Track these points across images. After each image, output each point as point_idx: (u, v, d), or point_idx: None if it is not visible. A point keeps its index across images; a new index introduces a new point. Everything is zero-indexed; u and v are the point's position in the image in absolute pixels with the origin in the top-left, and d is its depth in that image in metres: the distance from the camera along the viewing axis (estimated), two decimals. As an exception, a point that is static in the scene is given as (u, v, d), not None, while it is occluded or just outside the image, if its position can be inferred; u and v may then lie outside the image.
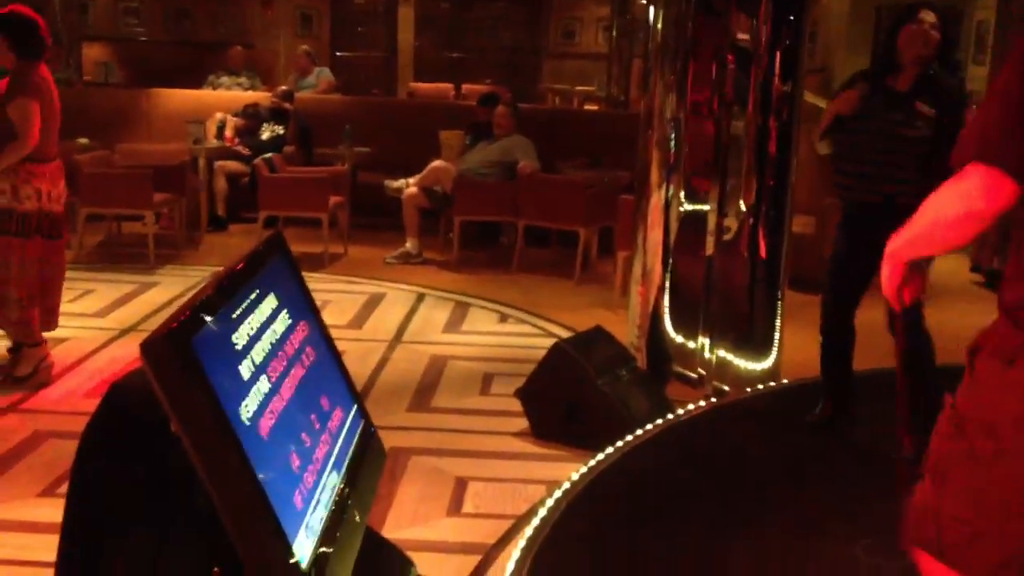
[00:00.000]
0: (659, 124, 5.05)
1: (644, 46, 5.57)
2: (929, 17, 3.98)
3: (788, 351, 4.94)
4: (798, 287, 5.51)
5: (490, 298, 6.68)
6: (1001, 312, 1.80)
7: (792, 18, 4.91)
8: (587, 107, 11.96)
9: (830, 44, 10.53)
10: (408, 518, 3.65)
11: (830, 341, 4.34)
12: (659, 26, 5.06)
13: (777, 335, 4.94)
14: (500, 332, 6.07)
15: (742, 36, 4.93)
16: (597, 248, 7.46)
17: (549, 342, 5.00)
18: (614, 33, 13.24)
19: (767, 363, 4.94)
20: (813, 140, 4.35)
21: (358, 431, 2.74)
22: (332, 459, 2.45)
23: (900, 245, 1.96)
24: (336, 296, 6.56)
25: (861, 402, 4.39)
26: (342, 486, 2.45)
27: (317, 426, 2.45)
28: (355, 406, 2.78)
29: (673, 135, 4.98)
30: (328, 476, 2.39)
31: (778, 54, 4.87)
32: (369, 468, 2.72)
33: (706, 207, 4.97)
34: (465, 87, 12.82)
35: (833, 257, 4.33)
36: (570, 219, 7.32)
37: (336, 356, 2.80)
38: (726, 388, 4.87)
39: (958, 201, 1.77)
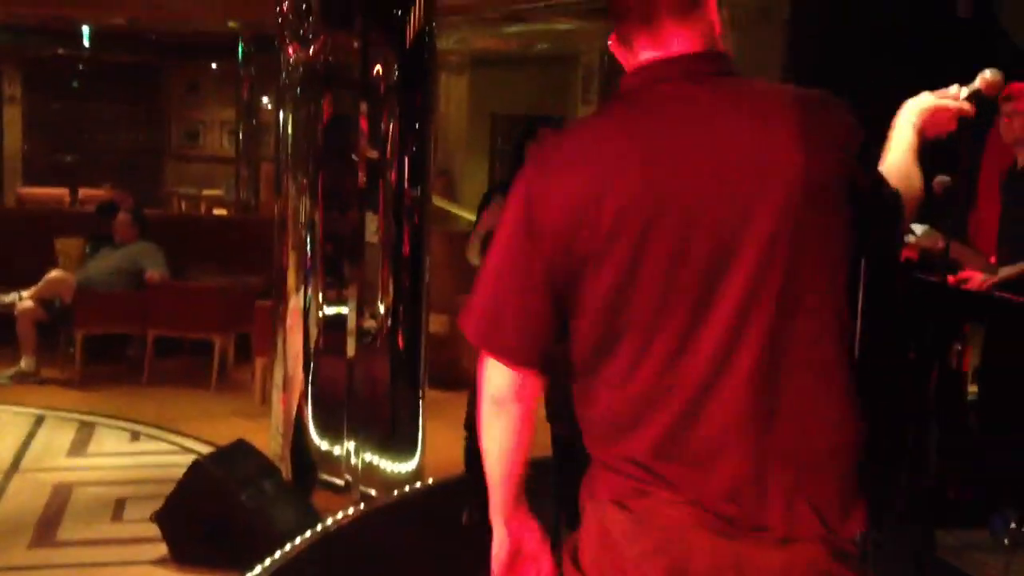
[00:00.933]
0: (294, 228, 5.03)
1: (275, 149, 5.54)
2: None
3: (432, 449, 5.00)
4: (437, 385, 5.60)
5: (120, 416, 6.26)
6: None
7: (417, 126, 5.09)
8: (216, 211, 11.71)
9: (450, 149, 11.01)
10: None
11: (475, 436, 4.44)
12: (289, 130, 5.06)
13: (420, 434, 4.99)
14: (132, 452, 5.70)
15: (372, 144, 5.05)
16: (234, 355, 7.23)
17: (187, 459, 4.75)
18: (240, 136, 13.10)
19: (412, 464, 4.97)
20: (467, 252, 4.47)
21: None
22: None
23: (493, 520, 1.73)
24: (-61, 424, 5.90)
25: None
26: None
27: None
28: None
29: (309, 238, 4.97)
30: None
31: (406, 160, 5.02)
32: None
33: (345, 310, 4.98)
34: (82, 192, 12.16)
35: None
36: (204, 327, 7.07)
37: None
38: (373, 492, 4.84)
39: (490, 414, 1.67)
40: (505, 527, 1.70)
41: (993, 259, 3.91)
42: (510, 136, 10.94)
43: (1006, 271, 3.78)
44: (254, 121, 12.49)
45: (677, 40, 1.56)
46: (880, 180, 1.66)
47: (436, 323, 6.16)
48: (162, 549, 4.19)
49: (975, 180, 4.43)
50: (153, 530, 4.24)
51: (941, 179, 2.80)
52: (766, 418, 1.49)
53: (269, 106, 12.87)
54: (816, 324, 1.50)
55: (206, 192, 13.10)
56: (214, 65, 13.39)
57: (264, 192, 11.98)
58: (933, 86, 1.96)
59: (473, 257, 4.50)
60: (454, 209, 8.10)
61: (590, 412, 1.59)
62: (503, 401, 1.62)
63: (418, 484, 4.89)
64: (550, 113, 9.86)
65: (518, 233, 1.54)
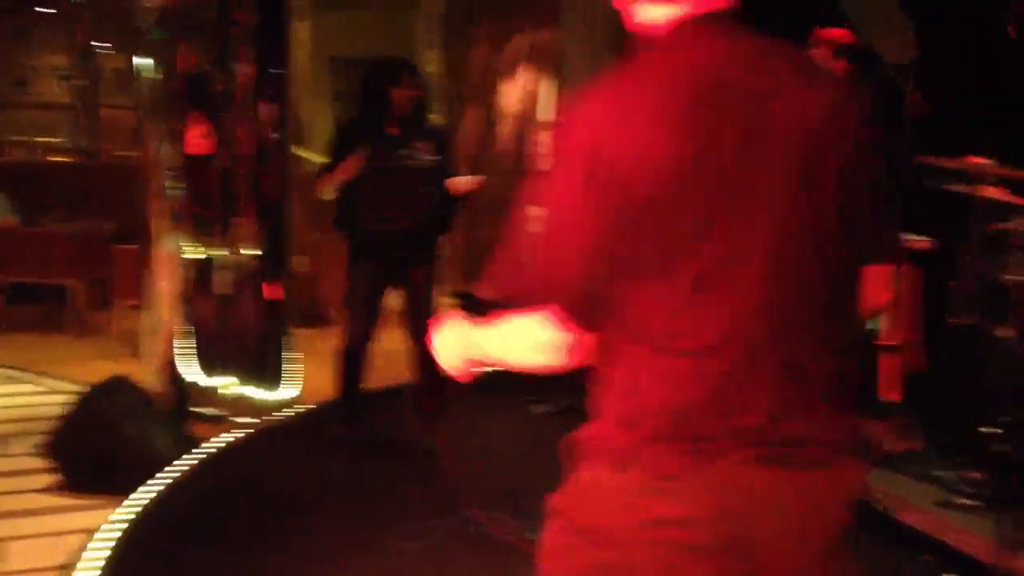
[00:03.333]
0: (158, 174, 5.19)
1: (136, 96, 5.65)
2: (412, 78, 4.53)
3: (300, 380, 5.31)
4: (298, 322, 5.87)
5: (-17, 360, 6.32)
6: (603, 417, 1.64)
7: (274, 71, 5.32)
8: (54, 158, 11.48)
9: (295, 93, 11.11)
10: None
11: (351, 365, 4.71)
12: (152, 78, 5.18)
13: (288, 367, 5.29)
14: (4, 393, 5.79)
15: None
16: (88, 300, 7.29)
17: (59, 399, 4.96)
18: (76, 82, 12.80)
19: (281, 393, 5.28)
20: (319, 188, 4.63)
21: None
22: None
23: (476, 351, 1.75)
24: None
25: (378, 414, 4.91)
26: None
27: None
28: None
29: (174, 184, 5.15)
30: None
31: (266, 104, 5.25)
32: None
33: (213, 253, 5.21)
34: (-91, 141, 11.71)
35: (353, 291, 4.64)
36: (58, 273, 7.13)
37: None
38: (246, 420, 5.13)
39: (534, 352, 1.60)
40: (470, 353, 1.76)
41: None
42: (352, 79, 11.11)
43: None
44: (91, 66, 12.25)
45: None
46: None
47: (296, 263, 6.43)
48: (48, 479, 4.39)
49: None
50: (36, 463, 4.43)
51: None
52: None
53: (102, 52, 12.63)
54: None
55: (41, 139, 12.77)
56: (40, 10, 13.03)
57: (105, 138, 11.82)
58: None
59: (327, 191, 4.61)
60: (302, 152, 8.28)
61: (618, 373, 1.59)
62: (558, 353, 1.58)
63: (287, 410, 5.22)
64: (394, 55, 10.10)
65: (578, 183, 1.51)
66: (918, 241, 4.19)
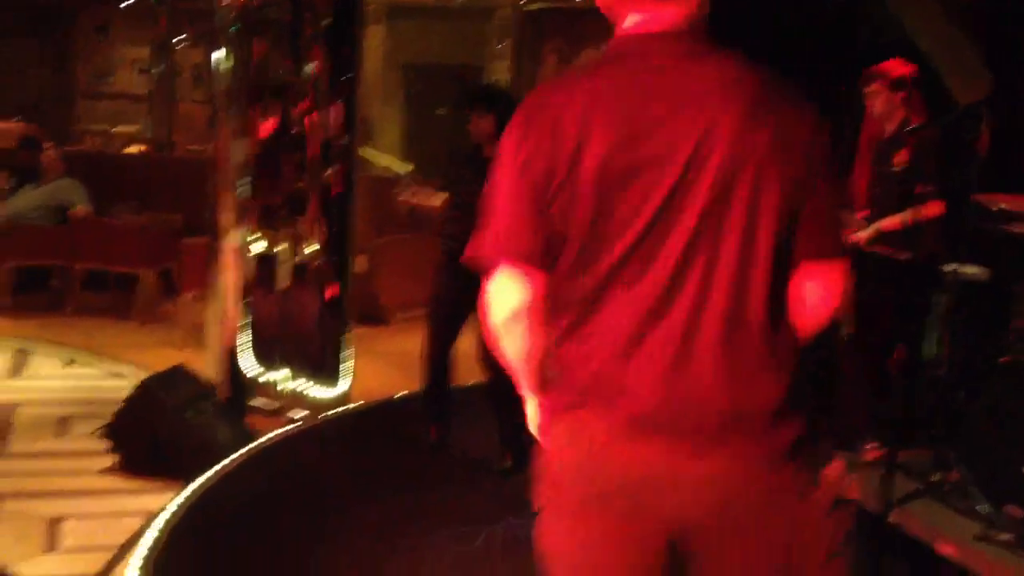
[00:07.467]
0: (228, 168, 5.32)
1: (208, 90, 5.76)
2: (489, 107, 4.51)
3: (355, 378, 5.40)
4: (355, 320, 5.94)
5: (52, 343, 6.52)
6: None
7: (345, 76, 5.42)
8: (129, 149, 11.77)
9: (366, 97, 11.28)
10: (5, 559, 3.64)
11: (433, 373, 4.75)
12: (223, 70, 5.31)
13: (346, 365, 5.38)
14: (69, 375, 6.00)
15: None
16: (157, 289, 7.49)
17: (122, 383, 5.11)
18: (153, 74, 13.14)
19: (338, 390, 5.37)
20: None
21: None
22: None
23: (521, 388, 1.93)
24: None
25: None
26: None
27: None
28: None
29: (243, 179, 5.28)
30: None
31: (335, 108, 5.35)
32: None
33: (277, 248, 5.33)
34: (-7, 127, 12.06)
35: (437, 298, 4.68)
36: (129, 262, 7.33)
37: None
38: (302, 414, 5.24)
39: (496, 311, 1.81)
40: (537, 398, 1.90)
41: (859, 215, 4.46)
42: (423, 85, 11.28)
43: (884, 223, 4.32)
44: (169, 60, 12.57)
45: (661, 18, 1.77)
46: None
47: (356, 262, 6.51)
48: (107, 461, 4.52)
49: (854, 150, 4.93)
50: (97, 444, 4.58)
51: None
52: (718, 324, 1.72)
53: (179, 47, 12.94)
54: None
55: (119, 129, 13.10)
56: (123, 5, 13.40)
57: (179, 130, 12.10)
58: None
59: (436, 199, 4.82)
60: (371, 155, 8.42)
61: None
62: (516, 318, 1.79)
63: (343, 408, 5.31)
64: (463, 63, 10.20)
65: (515, 166, 1.75)
66: (976, 272, 4.17)
